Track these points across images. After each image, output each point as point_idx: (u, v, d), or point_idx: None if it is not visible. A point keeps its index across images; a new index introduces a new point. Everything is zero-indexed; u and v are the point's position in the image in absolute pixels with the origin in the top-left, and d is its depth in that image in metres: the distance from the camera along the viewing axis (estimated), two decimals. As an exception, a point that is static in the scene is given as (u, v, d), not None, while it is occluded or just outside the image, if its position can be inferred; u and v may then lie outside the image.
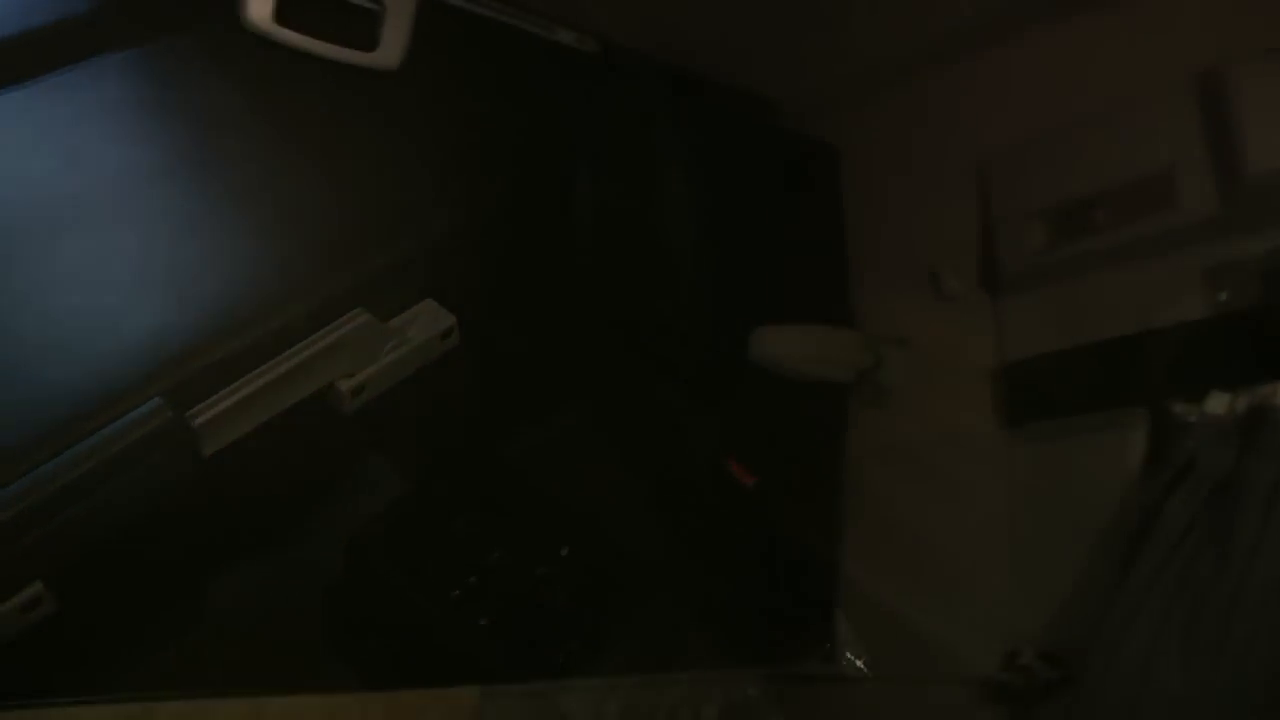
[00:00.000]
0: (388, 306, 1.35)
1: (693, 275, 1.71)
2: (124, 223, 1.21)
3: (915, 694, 1.71)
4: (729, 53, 1.75)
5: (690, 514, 1.72)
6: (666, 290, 1.69)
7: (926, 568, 1.74)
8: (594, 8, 1.57)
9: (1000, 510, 1.66)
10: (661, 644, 1.66)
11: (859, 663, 1.78)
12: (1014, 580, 1.62)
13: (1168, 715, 1.28)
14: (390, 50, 1.39)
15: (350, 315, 1.30)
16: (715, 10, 1.62)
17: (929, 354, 1.81)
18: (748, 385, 1.73)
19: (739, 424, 1.77)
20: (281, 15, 1.33)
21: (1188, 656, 1.27)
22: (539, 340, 1.56)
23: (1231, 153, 1.38)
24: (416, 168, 1.43)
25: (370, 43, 1.38)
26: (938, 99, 1.81)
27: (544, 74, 1.59)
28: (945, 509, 1.74)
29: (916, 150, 1.85)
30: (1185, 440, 1.36)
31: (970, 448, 1.72)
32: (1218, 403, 1.34)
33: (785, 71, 1.85)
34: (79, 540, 1.14)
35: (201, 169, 1.27)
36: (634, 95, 1.69)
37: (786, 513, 1.79)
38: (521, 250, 1.52)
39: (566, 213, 1.59)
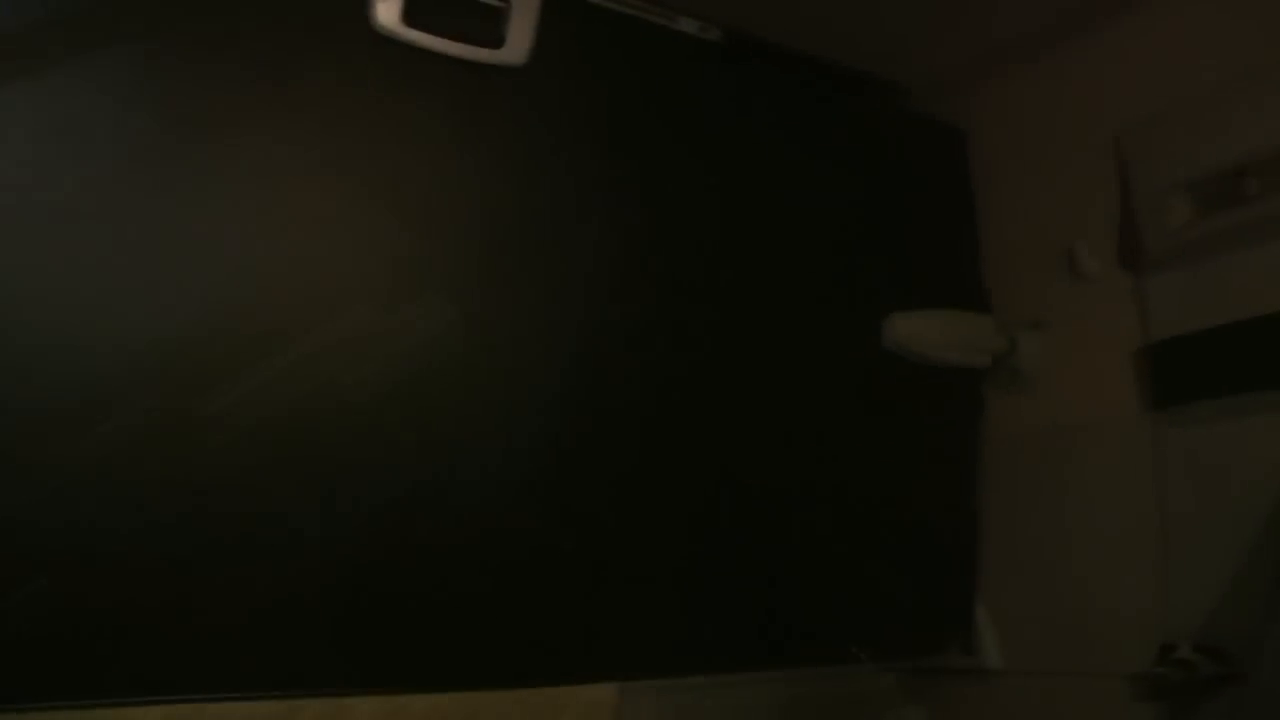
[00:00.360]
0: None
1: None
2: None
3: (1062, 688, 1.66)
4: (852, 37, 1.71)
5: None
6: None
7: (1070, 558, 1.68)
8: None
9: (1148, 496, 1.59)
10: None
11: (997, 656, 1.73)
12: (1165, 571, 1.55)
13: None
14: (516, 46, 1.38)
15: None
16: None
17: (1067, 336, 1.74)
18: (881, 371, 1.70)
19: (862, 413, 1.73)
20: (409, 17, 1.34)
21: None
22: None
23: None
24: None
25: (496, 40, 1.38)
26: (1069, 73, 1.74)
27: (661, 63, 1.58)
28: (1088, 496, 1.67)
29: (1048, 127, 1.78)
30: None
31: (1114, 432, 1.65)
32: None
33: (909, 54, 1.80)
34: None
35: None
36: (753, 84, 1.66)
37: (920, 503, 1.75)
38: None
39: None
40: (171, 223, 1.24)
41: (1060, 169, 1.76)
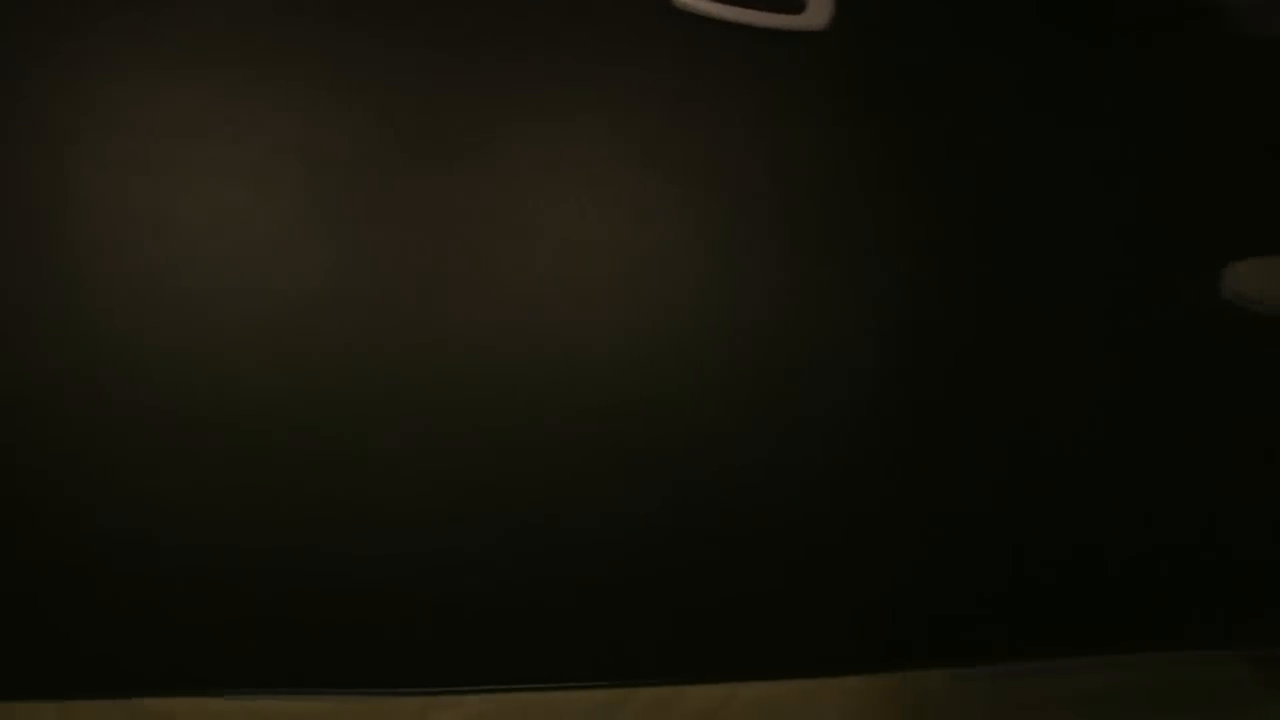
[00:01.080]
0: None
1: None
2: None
3: None
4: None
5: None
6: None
7: None
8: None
9: None
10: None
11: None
12: None
13: None
14: (818, 10, 1.34)
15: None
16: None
17: None
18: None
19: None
20: (710, -9, 1.32)
21: None
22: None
23: None
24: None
25: (796, 5, 1.34)
26: None
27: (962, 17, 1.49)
28: None
29: None
30: None
31: None
32: None
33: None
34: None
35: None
36: (1063, 27, 1.55)
37: (1270, 469, 1.58)
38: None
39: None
40: (489, 218, 1.27)
41: None
